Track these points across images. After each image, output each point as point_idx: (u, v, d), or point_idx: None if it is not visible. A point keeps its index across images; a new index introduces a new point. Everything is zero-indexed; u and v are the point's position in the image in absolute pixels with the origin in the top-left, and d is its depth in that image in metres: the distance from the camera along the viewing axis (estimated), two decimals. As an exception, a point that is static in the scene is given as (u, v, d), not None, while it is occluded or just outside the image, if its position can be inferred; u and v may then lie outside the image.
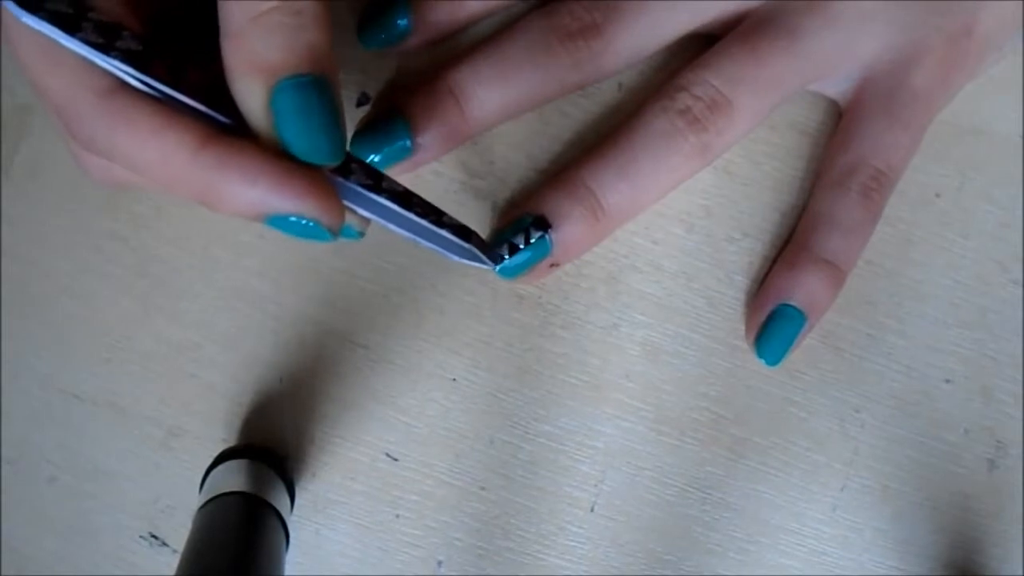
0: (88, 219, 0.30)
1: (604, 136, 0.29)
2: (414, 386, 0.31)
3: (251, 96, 0.20)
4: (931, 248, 0.31)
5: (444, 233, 0.24)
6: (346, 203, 0.23)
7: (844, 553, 0.31)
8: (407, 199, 0.23)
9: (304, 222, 0.21)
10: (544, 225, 0.28)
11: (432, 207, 0.24)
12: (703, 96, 0.28)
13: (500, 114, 0.28)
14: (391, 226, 0.24)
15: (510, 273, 0.29)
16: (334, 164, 0.21)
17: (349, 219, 0.23)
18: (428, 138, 0.28)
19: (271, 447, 0.30)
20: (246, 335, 0.30)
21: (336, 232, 0.21)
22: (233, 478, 0.29)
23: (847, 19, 0.28)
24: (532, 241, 0.28)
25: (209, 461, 0.30)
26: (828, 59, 0.28)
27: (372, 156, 0.28)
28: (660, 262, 0.31)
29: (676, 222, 0.31)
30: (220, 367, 0.30)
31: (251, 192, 0.20)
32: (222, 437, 0.30)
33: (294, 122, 0.20)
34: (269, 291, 0.30)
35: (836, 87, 0.30)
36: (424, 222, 0.24)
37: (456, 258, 0.25)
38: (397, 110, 0.28)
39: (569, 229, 0.28)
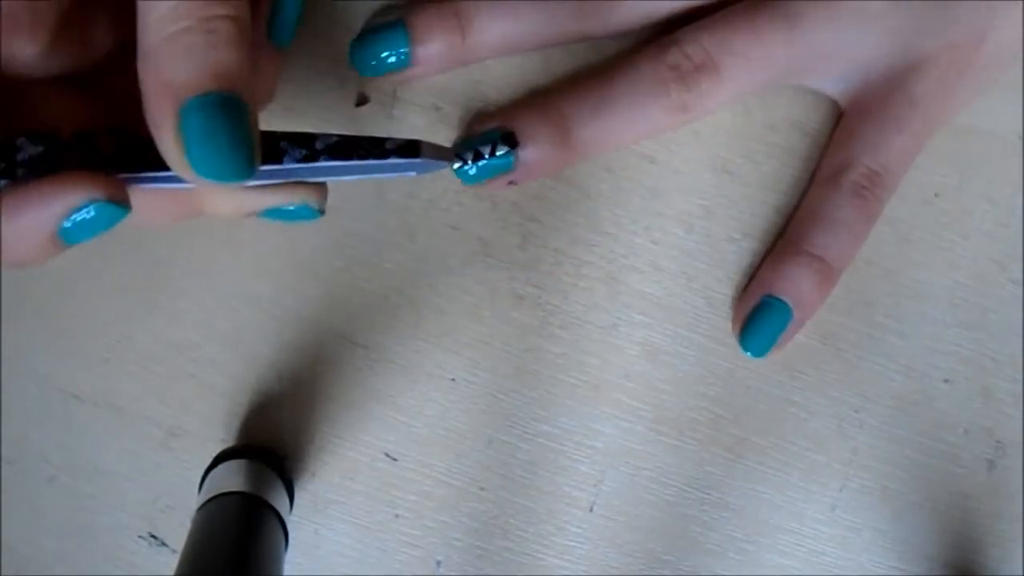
0: (87, 219, 0.30)
1: (592, 70, 0.29)
2: (413, 386, 0.31)
3: (160, 118, 0.20)
4: (930, 248, 0.31)
5: (393, 161, 0.24)
6: (297, 178, 0.23)
7: (843, 553, 0.31)
8: (347, 148, 0.23)
9: (94, 209, 0.21)
10: (512, 141, 0.28)
11: (373, 141, 0.24)
12: (693, 55, 0.28)
13: (500, 47, 0.29)
14: (344, 178, 0.24)
15: (469, 180, 0.29)
16: (241, 183, 0.21)
17: (304, 198, 0.24)
18: (425, 52, 0.28)
19: (270, 447, 0.30)
20: (245, 335, 0.30)
21: (127, 205, 0.21)
22: (232, 478, 0.29)
23: (852, 19, 0.28)
24: (497, 154, 0.28)
25: (208, 461, 0.30)
26: (823, 54, 0.28)
27: (370, 59, 0.28)
28: (659, 262, 0.31)
29: (676, 222, 0.31)
30: (219, 367, 0.30)
31: (30, 216, 0.21)
32: (221, 437, 0.30)
33: (200, 141, 0.20)
34: (268, 291, 0.30)
35: (835, 86, 0.30)
36: (370, 162, 0.24)
37: (415, 174, 0.25)
38: (401, 19, 0.28)
39: (534, 151, 0.28)
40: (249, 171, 0.21)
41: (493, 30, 0.28)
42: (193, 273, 0.30)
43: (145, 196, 0.23)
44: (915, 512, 0.31)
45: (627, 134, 0.29)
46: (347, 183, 0.25)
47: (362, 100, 0.30)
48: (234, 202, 0.24)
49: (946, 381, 0.31)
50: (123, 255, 0.30)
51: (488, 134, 0.29)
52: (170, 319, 0.30)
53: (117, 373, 0.30)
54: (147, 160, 0.22)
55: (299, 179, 0.24)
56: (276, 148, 0.23)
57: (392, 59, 0.28)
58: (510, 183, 0.29)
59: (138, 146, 0.22)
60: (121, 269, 0.30)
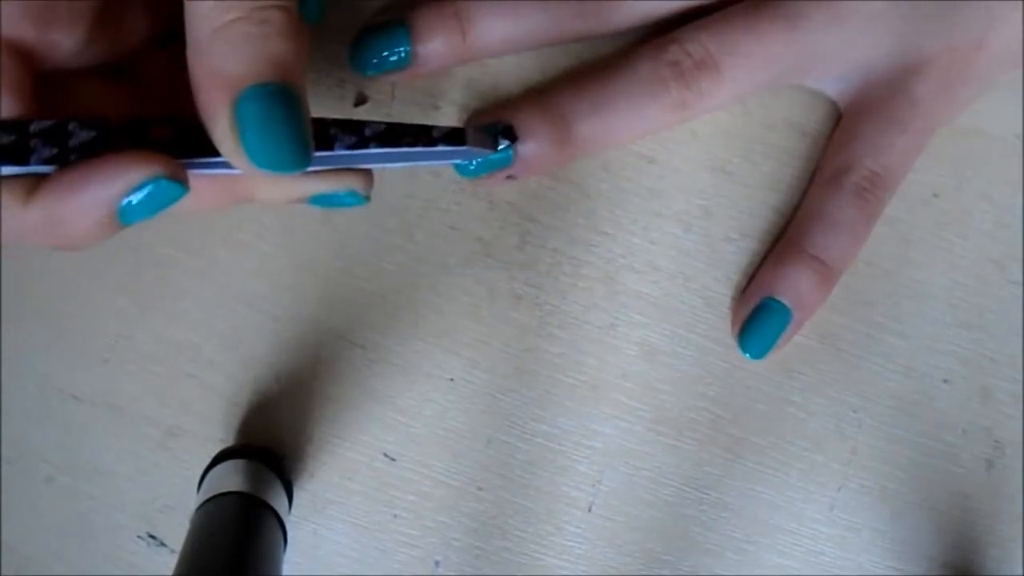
0: (87, 219, 0.30)
1: (591, 66, 0.30)
2: (412, 386, 0.31)
3: (214, 109, 0.20)
4: (929, 248, 0.31)
5: (440, 149, 0.24)
6: (346, 165, 0.23)
7: (842, 553, 0.31)
8: (395, 135, 0.23)
9: (153, 187, 0.21)
10: (511, 136, 0.28)
11: (419, 128, 0.24)
12: (693, 54, 0.28)
13: (501, 46, 0.29)
14: (390, 166, 0.24)
15: (468, 174, 0.29)
16: (298, 172, 0.21)
17: (350, 184, 0.24)
18: (426, 51, 0.28)
19: (269, 447, 0.30)
20: (244, 335, 0.30)
21: (186, 184, 0.21)
22: (231, 478, 0.29)
23: (854, 20, 0.28)
24: (498, 148, 0.28)
25: (207, 461, 0.30)
26: (824, 54, 0.28)
27: (371, 58, 0.28)
28: (658, 262, 0.31)
29: (674, 222, 0.31)
30: (218, 367, 0.30)
31: (89, 195, 0.21)
32: (220, 437, 0.31)
33: (257, 131, 0.20)
34: (267, 291, 0.30)
35: (834, 86, 0.30)
36: (417, 149, 0.24)
37: (460, 161, 0.25)
38: (401, 19, 0.28)
39: (533, 146, 0.28)
40: (305, 161, 0.21)
41: (494, 29, 0.28)
42: (193, 273, 0.30)
43: (195, 182, 0.23)
44: (914, 512, 0.31)
45: (626, 131, 0.29)
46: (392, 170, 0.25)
47: (361, 100, 0.30)
48: (284, 189, 0.24)
49: (945, 381, 0.31)
50: (123, 255, 0.30)
51: (488, 127, 0.29)
52: (170, 319, 0.30)
53: (117, 373, 0.30)
54: (198, 146, 0.22)
55: (348, 166, 0.24)
56: (326, 135, 0.23)
57: (393, 58, 0.28)
58: (509, 178, 0.29)
59: (188, 132, 0.22)
60: (121, 269, 0.30)
